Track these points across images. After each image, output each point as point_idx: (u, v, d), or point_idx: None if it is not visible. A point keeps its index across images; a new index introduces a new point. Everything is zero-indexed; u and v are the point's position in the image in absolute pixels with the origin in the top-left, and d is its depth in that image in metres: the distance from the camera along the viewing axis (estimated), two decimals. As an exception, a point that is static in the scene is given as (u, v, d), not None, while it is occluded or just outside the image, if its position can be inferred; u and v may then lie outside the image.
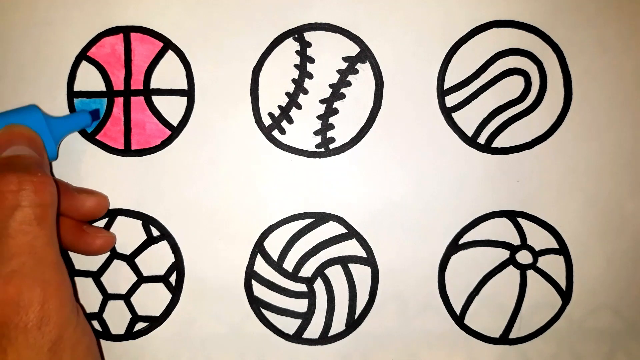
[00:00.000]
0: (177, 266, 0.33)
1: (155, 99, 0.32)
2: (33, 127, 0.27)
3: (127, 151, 0.32)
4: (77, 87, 0.32)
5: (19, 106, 0.29)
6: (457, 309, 0.33)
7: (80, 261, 0.32)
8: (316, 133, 0.32)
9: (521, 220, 0.33)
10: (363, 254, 0.33)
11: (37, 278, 0.24)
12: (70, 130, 0.31)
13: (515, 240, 0.33)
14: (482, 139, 0.33)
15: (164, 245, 0.33)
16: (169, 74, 0.32)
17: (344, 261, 0.33)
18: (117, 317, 0.32)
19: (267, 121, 0.32)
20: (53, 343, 0.24)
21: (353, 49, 0.32)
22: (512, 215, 0.33)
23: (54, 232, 0.25)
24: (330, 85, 0.32)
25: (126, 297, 0.33)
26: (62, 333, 0.24)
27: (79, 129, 0.32)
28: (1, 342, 0.23)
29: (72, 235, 0.30)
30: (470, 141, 0.33)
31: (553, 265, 0.33)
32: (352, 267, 0.33)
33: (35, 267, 0.24)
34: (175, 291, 0.33)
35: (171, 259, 0.33)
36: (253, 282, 0.33)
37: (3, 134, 0.26)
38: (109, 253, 0.32)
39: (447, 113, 0.32)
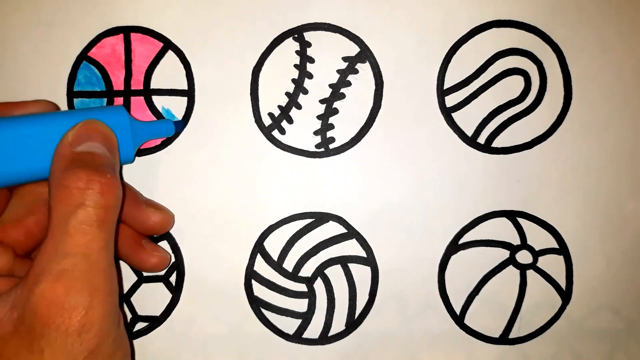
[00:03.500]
0: (177, 266, 0.33)
1: (155, 99, 0.32)
2: (117, 127, 0.27)
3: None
4: (77, 87, 0.32)
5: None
6: (457, 309, 0.33)
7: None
8: (316, 133, 0.32)
9: (521, 220, 0.33)
10: (363, 254, 0.33)
11: (87, 282, 0.23)
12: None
13: (515, 240, 0.33)
14: (482, 139, 0.33)
15: (164, 245, 0.33)
16: (169, 74, 0.32)
17: (344, 261, 0.33)
18: (117, 317, 0.33)
19: (267, 121, 0.32)
20: (89, 352, 0.23)
21: (353, 49, 0.32)
22: (512, 215, 0.33)
23: (112, 237, 0.24)
24: (330, 85, 0.32)
25: (126, 297, 0.33)
26: (101, 343, 0.23)
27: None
28: (40, 342, 0.22)
29: (128, 247, 0.30)
30: (470, 141, 0.33)
31: (553, 265, 0.33)
32: (352, 267, 0.33)
33: (87, 270, 0.23)
34: (175, 291, 0.33)
35: (171, 256, 0.33)
36: (253, 282, 0.33)
37: (81, 127, 0.26)
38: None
39: (447, 113, 0.32)
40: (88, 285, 0.23)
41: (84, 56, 0.32)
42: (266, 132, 0.32)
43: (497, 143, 0.33)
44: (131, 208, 0.29)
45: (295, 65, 0.32)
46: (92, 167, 0.24)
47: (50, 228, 0.23)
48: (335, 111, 0.32)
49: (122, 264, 0.32)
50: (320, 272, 0.33)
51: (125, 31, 0.32)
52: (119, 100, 0.32)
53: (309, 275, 0.33)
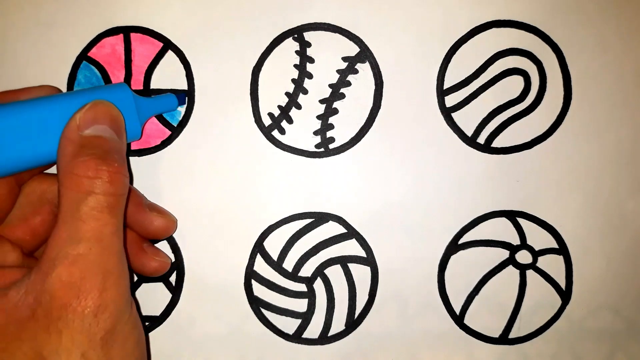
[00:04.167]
0: (177, 266, 0.33)
1: (155, 99, 0.32)
2: (121, 105, 0.27)
3: (127, 151, 0.32)
4: (77, 87, 0.32)
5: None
6: (457, 309, 0.33)
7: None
8: (316, 133, 0.32)
9: (521, 220, 0.33)
10: (363, 253, 0.33)
11: (100, 265, 0.24)
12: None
13: (515, 240, 0.33)
14: (481, 139, 0.33)
15: (164, 245, 0.33)
16: (169, 74, 0.32)
17: (343, 261, 0.33)
18: (117, 317, 0.33)
19: (267, 121, 0.32)
20: (106, 332, 0.24)
21: (353, 49, 0.32)
22: (511, 215, 0.33)
23: (122, 223, 0.25)
24: (330, 85, 0.32)
25: (126, 297, 0.33)
26: (116, 324, 0.24)
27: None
28: (57, 324, 0.23)
29: (130, 250, 0.30)
30: (470, 141, 0.33)
31: (553, 265, 0.33)
32: (352, 267, 0.33)
33: (100, 254, 0.24)
34: (175, 291, 0.33)
35: (171, 258, 0.33)
36: (253, 281, 0.33)
37: (88, 110, 0.26)
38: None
39: (447, 113, 0.32)
40: (102, 269, 0.24)
41: (84, 56, 0.32)
42: (266, 132, 0.32)
43: (497, 143, 0.33)
44: (134, 212, 0.30)
45: (295, 65, 0.32)
46: (100, 153, 0.24)
47: (61, 214, 0.24)
48: (335, 111, 0.32)
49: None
50: (320, 272, 0.33)
51: (125, 31, 0.32)
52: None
53: (309, 275, 0.33)
